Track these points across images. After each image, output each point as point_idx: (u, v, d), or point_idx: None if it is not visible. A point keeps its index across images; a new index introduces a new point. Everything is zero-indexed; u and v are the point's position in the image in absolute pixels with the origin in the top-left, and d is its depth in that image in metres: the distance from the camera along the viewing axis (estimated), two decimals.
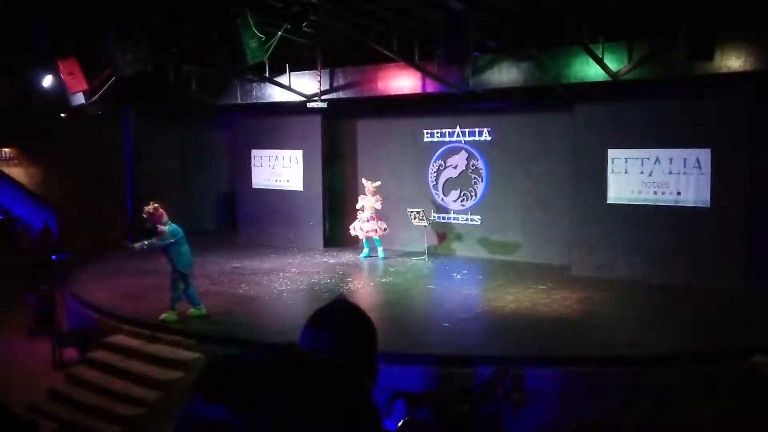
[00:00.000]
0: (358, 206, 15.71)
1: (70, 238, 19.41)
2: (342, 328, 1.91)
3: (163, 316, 10.82)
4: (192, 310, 10.98)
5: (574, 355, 9.11)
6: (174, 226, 10.56)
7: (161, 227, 10.46)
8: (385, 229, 15.57)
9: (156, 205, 10.58)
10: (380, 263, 15.41)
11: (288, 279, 13.81)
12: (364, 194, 15.61)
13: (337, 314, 1.97)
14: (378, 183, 15.57)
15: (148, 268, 14.83)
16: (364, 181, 15.73)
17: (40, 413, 9.57)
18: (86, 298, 12.65)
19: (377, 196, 15.47)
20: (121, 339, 11.03)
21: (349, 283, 13.35)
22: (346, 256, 16.25)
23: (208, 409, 0.80)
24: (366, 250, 15.95)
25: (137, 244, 10.74)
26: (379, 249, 15.78)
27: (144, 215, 10.58)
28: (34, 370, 11.57)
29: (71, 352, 11.89)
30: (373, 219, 15.51)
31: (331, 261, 15.76)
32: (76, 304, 12.84)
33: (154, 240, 10.53)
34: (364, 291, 13.09)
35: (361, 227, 15.65)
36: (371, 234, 15.61)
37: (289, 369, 0.84)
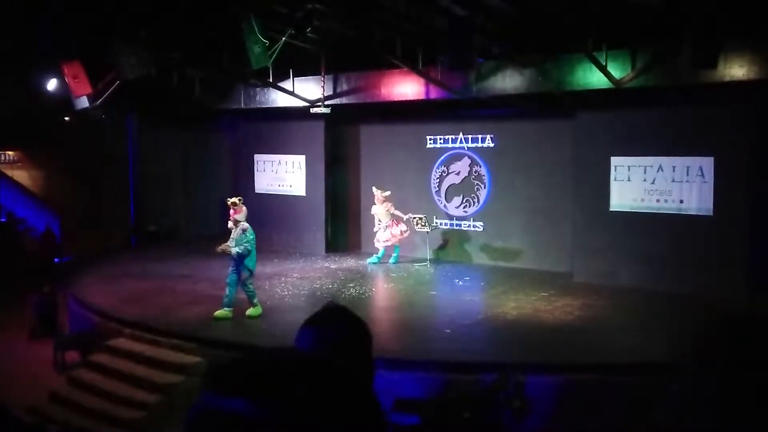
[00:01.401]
0: (376, 224, 15.73)
1: (72, 240, 19.44)
2: (335, 333, 1.91)
3: (248, 312, 11.14)
4: (223, 311, 11.12)
5: (576, 362, 9.09)
6: (250, 227, 10.99)
7: (242, 224, 10.89)
8: (405, 232, 15.58)
9: (240, 198, 11.19)
10: (382, 269, 15.41)
11: (290, 284, 13.80)
12: (374, 203, 15.64)
13: (329, 319, 1.97)
14: (387, 193, 15.57)
15: (150, 272, 14.88)
16: (374, 189, 15.73)
17: (41, 416, 9.57)
18: (88, 301, 12.66)
19: (387, 204, 15.49)
20: (122, 342, 11.03)
21: (350, 289, 13.34)
22: (348, 262, 16.24)
23: (227, 403, 0.85)
24: (375, 256, 15.92)
25: (234, 251, 10.83)
26: (394, 255, 15.81)
27: (229, 205, 11.07)
28: (35, 373, 11.58)
29: (73, 355, 11.90)
30: (394, 224, 15.51)
31: (333, 266, 15.75)
32: (78, 306, 12.84)
33: (246, 245, 10.79)
34: (365, 297, 13.07)
35: (387, 237, 15.64)
36: (394, 241, 15.61)
37: (304, 367, 0.90)
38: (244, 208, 11.06)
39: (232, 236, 10.95)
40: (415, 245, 16.16)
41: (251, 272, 11.06)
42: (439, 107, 15.80)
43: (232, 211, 11.02)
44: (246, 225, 10.93)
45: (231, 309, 11.13)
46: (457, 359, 9.25)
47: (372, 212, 15.75)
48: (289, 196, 17.80)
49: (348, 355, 1.85)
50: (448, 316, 11.41)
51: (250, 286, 11.16)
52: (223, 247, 10.95)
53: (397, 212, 15.47)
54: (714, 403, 0.99)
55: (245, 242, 10.80)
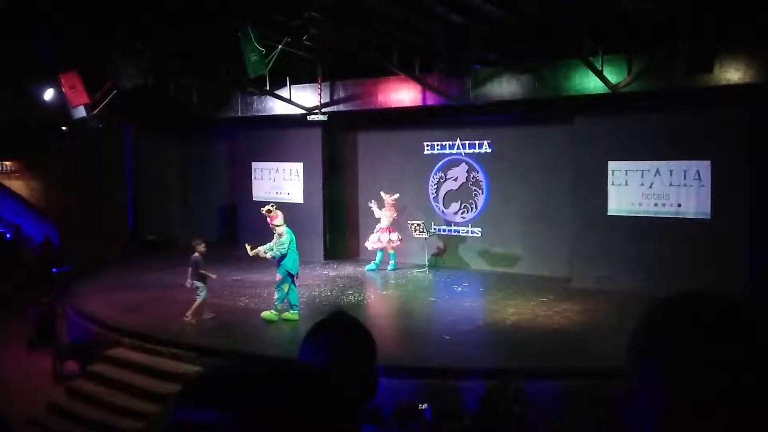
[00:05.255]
0: (377, 226, 15.83)
1: (70, 250, 19.41)
2: (339, 341, 1.91)
3: (264, 314, 11.37)
4: (288, 314, 11.39)
5: (575, 367, 9.08)
6: (289, 229, 11.29)
7: (279, 228, 11.21)
8: (400, 240, 15.61)
9: (273, 205, 11.60)
10: (381, 276, 15.42)
11: None
12: (382, 207, 15.71)
13: (334, 327, 1.97)
14: (396, 195, 15.62)
15: (148, 281, 14.86)
16: (382, 194, 15.75)
17: (40, 427, 9.54)
18: (87, 311, 12.64)
19: (392, 210, 15.56)
20: (121, 352, 11.01)
21: (349, 296, 13.33)
22: (347, 269, 16.23)
23: (197, 415, 0.87)
24: (373, 263, 15.93)
25: (269, 255, 11.27)
26: (391, 262, 15.81)
27: (264, 214, 11.40)
28: (34, 383, 11.54)
29: (72, 365, 11.87)
30: (385, 231, 15.55)
31: (332, 273, 15.74)
32: (77, 317, 12.82)
33: (279, 248, 11.13)
34: (364, 303, 13.07)
35: (374, 240, 15.70)
36: (385, 246, 15.63)
37: (269, 375, 0.93)
38: (279, 213, 11.38)
39: (274, 241, 11.35)
40: (414, 251, 16.16)
41: (290, 275, 11.27)
42: (437, 114, 15.84)
43: (269, 219, 11.37)
44: (282, 230, 11.24)
45: (296, 311, 11.42)
46: (456, 365, 9.24)
47: (376, 215, 15.77)
48: (287, 204, 17.77)
49: (349, 365, 1.85)
50: (447, 322, 11.41)
51: (283, 288, 11.31)
52: (255, 250, 11.33)
53: (389, 220, 15.52)
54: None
55: (280, 246, 11.13)
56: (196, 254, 11.50)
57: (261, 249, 11.32)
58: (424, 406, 5.96)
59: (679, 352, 1.00)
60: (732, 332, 1.02)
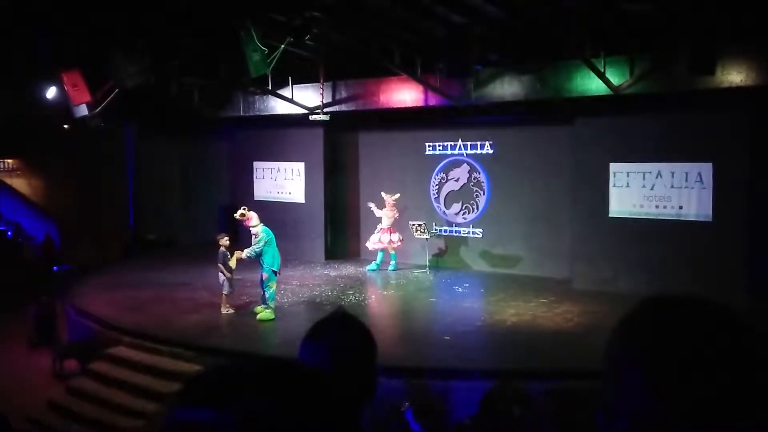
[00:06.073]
0: (378, 227, 15.86)
1: (71, 249, 19.43)
2: (339, 341, 1.91)
3: (260, 316, 11.43)
4: (259, 308, 11.63)
5: (575, 368, 9.06)
6: (265, 227, 11.38)
7: (254, 229, 11.34)
8: (401, 240, 15.61)
9: (245, 208, 11.66)
10: (382, 276, 15.41)
11: (289, 291, 13.78)
12: (383, 207, 15.71)
13: (335, 327, 1.97)
14: (397, 195, 15.63)
15: (149, 280, 14.86)
16: (383, 194, 15.75)
17: (39, 425, 9.55)
18: (87, 310, 12.64)
19: (393, 210, 15.56)
20: (121, 351, 11.01)
21: (350, 296, 13.33)
22: (348, 269, 16.23)
23: (192, 414, 0.87)
24: (374, 263, 15.93)
25: (244, 255, 11.34)
26: (392, 262, 15.80)
27: (238, 217, 11.56)
28: (34, 382, 11.56)
29: (72, 364, 11.88)
30: (386, 231, 15.56)
31: (333, 273, 15.74)
32: (77, 315, 12.82)
33: (254, 247, 11.27)
34: (365, 304, 13.06)
35: (375, 241, 15.71)
36: (386, 246, 15.63)
37: (267, 374, 0.92)
38: (252, 214, 11.47)
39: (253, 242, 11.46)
40: (415, 252, 16.15)
41: (272, 273, 11.37)
42: (438, 114, 15.83)
43: (244, 223, 11.53)
44: (257, 230, 11.34)
45: (269, 309, 11.51)
46: (456, 366, 9.23)
47: (377, 215, 15.78)
48: (288, 204, 17.81)
49: (349, 365, 1.85)
50: (447, 323, 11.41)
51: (271, 286, 11.43)
52: (236, 255, 11.43)
53: (391, 220, 15.53)
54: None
55: (254, 246, 11.24)
56: (222, 248, 11.73)
57: (240, 253, 11.42)
58: (405, 406, 5.84)
59: (666, 356, 0.99)
60: (715, 334, 1.01)
